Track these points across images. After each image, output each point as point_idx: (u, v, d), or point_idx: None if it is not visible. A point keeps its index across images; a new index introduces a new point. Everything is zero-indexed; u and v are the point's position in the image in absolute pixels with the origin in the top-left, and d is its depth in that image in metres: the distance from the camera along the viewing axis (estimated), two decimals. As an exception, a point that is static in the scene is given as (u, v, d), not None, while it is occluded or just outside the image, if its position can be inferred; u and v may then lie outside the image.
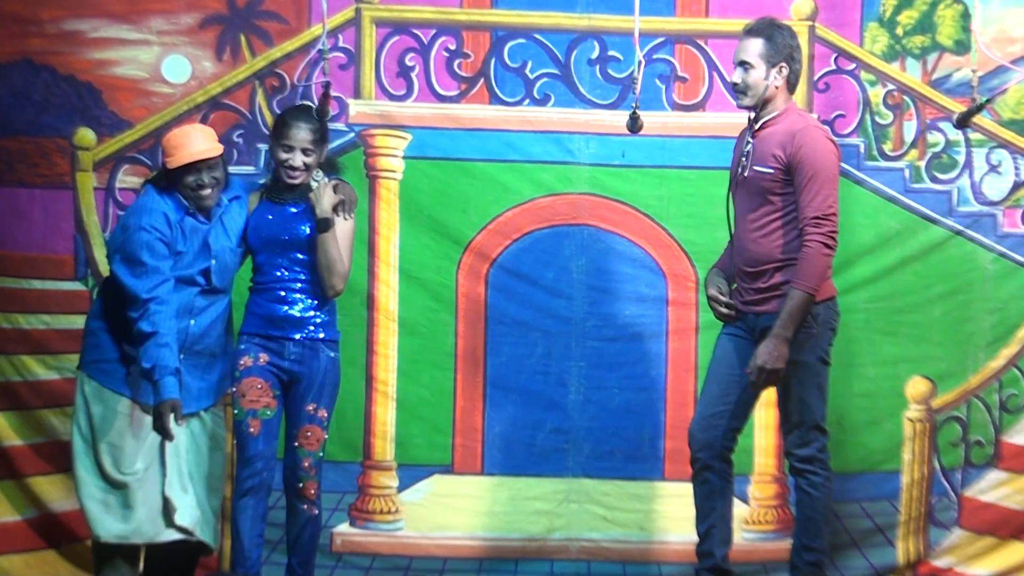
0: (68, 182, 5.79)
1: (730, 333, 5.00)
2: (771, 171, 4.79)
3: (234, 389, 5.04)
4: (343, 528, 5.85)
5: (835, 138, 4.94)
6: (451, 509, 5.88)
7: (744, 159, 4.90)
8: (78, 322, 5.67)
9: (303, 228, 5.04)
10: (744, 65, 4.87)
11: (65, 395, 5.66)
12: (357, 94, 5.85)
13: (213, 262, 4.91)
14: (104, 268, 5.71)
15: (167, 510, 4.88)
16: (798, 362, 4.79)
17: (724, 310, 5.00)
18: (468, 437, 5.89)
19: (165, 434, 4.74)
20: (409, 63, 5.85)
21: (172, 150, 4.81)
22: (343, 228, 5.04)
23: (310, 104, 5.14)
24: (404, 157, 5.85)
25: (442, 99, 5.87)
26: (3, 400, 5.76)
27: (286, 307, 5.04)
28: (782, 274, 4.81)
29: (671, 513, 5.85)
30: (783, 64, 4.84)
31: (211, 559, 5.68)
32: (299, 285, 5.05)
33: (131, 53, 5.78)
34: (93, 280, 5.80)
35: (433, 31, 5.85)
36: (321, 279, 5.04)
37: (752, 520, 5.90)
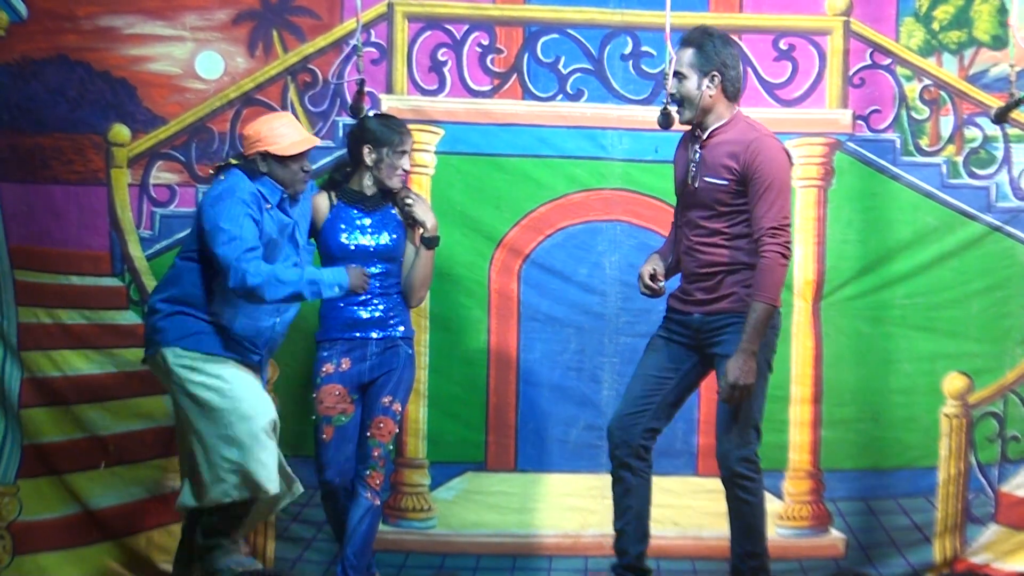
0: (103, 178, 5.88)
1: (665, 336, 5.10)
2: (724, 183, 4.88)
3: (314, 395, 5.29)
4: (376, 525, 5.98)
5: (789, 149, 5.04)
6: (484, 506, 5.96)
7: (693, 168, 4.98)
8: (117, 317, 5.92)
9: (386, 238, 5.32)
10: (677, 76, 4.96)
11: (106, 389, 5.87)
12: (389, 89, 5.95)
13: (299, 260, 5.16)
14: (140, 264, 5.92)
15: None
16: None
17: (652, 284, 5.08)
18: (501, 434, 5.98)
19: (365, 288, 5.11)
20: (441, 58, 5.95)
21: (279, 137, 5.09)
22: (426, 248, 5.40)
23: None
24: (436, 152, 5.95)
25: (475, 94, 5.97)
26: (40, 396, 5.87)
27: (366, 311, 5.31)
28: (732, 278, 4.92)
29: (705, 508, 5.92)
30: (715, 72, 4.91)
31: (244, 556, 5.88)
32: (379, 291, 5.31)
33: (165, 49, 5.87)
34: (129, 276, 5.92)
35: (466, 26, 5.95)
36: (409, 290, 5.38)
37: (786, 516, 6.01)
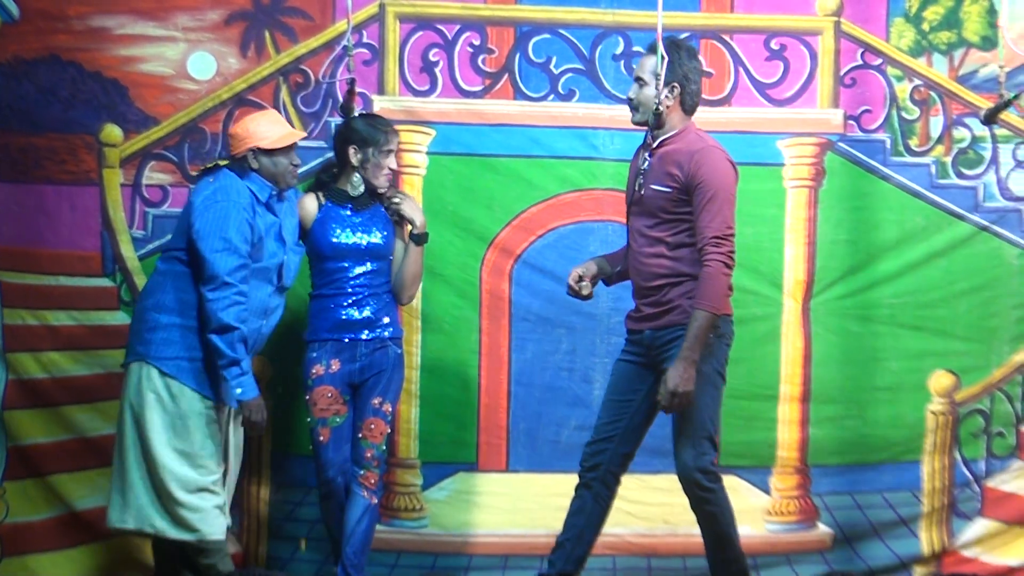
0: (95, 179, 5.91)
1: (625, 359, 5.15)
2: (668, 190, 4.92)
3: (307, 397, 5.34)
4: (368, 525, 6.02)
5: (735, 164, 5.04)
6: (476, 506, 6.01)
7: (641, 177, 5.04)
8: (107, 318, 5.93)
9: (377, 236, 5.37)
10: (639, 81, 5.02)
11: (94, 391, 5.88)
12: (381, 90, 5.98)
13: (285, 257, 5.22)
14: (132, 264, 5.94)
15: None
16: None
17: (574, 285, 5.15)
18: (492, 434, 6.03)
19: (256, 429, 5.07)
20: (433, 59, 5.98)
21: (267, 132, 5.17)
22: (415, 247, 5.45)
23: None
24: (428, 153, 5.98)
25: (466, 95, 5.99)
26: (25, 398, 5.89)
27: (357, 311, 5.35)
28: (676, 290, 4.96)
29: None
30: (675, 84, 4.97)
31: (236, 555, 5.85)
32: (369, 291, 5.36)
33: (157, 50, 5.90)
34: (121, 276, 5.95)
35: (457, 26, 5.99)
36: (400, 287, 5.43)
37: (774, 511, 6.08)
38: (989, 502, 6.07)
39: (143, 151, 5.94)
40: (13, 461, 5.86)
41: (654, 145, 5.04)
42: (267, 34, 5.94)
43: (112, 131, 5.90)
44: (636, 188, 5.06)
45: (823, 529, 6.09)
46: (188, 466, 5.06)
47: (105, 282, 5.97)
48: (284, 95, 5.95)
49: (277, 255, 5.21)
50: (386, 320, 5.41)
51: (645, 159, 5.05)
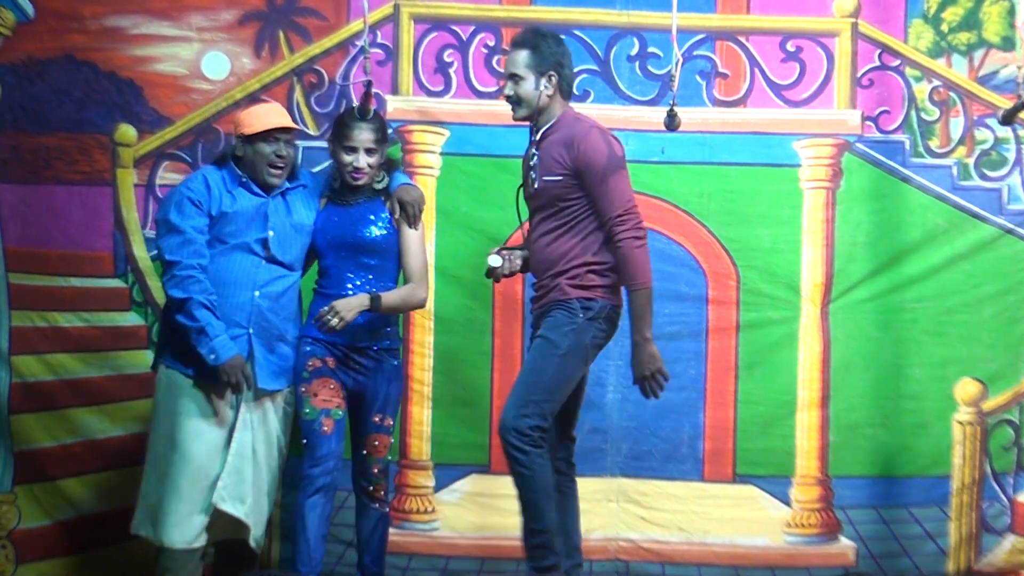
0: (107, 178, 6.05)
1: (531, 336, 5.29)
2: (559, 179, 5.05)
3: (303, 389, 5.32)
4: (380, 527, 6.13)
5: (617, 137, 5.16)
6: (488, 509, 6.08)
7: (532, 172, 5.16)
8: (118, 319, 6.06)
9: (369, 230, 5.33)
10: (514, 77, 5.14)
11: (104, 392, 6.01)
12: (395, 90, 6.13)
13: (271, 233, 5.23)
14: (144, 265, 6.07)
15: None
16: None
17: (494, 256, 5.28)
18: (505, 436, 6.14)
19: (239, 388, 5.10)
20: (447, 59, 6.13)
21: (252, 119, 5.24)
22: (414, 236, 5.38)
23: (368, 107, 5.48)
24: (442, 153, 6.12)
25: (480, 95, 6.13)
26: (32, 401, 5.99)
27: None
28: (563, 278, 5.06)
29: (710, 514, 6.07)
30: (552, 72, 5.10)
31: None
32: (366, 288, 5.31)
33: (171, 50, 6.07)
34: (133, 277, 6.07)
35: (472, 27, 6.14)
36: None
37: (794, 523, 6.13)
38: (1019, 518, 6.08)
39: (157, 151, 6.09)
40: (21, 466, 5.96)
41: (538, 138, 5.16)
42: (281, 34, 6.10)
43: (126, 131, 6.06)
44: (531, 184, 5.18)
45: (846, 543, 6.14)
46: (171, 462, 5.15)
47: (116, 283, 6.09)
48: (298, 95, 6.10)
49: (256, 230, 5.22)
50: (383, 328, 5.36)
51: (533, 154, 5.17)
